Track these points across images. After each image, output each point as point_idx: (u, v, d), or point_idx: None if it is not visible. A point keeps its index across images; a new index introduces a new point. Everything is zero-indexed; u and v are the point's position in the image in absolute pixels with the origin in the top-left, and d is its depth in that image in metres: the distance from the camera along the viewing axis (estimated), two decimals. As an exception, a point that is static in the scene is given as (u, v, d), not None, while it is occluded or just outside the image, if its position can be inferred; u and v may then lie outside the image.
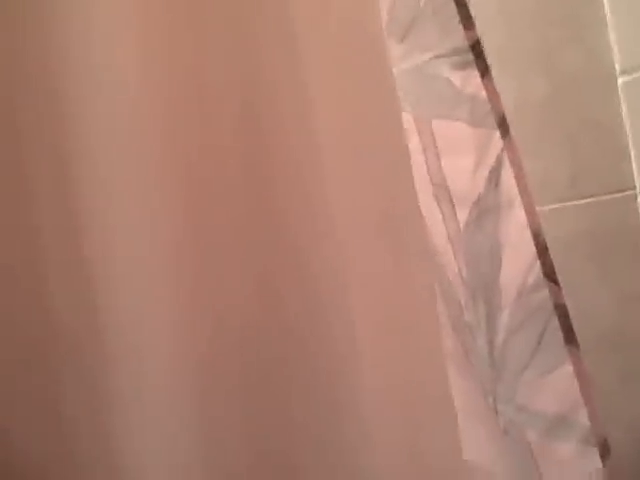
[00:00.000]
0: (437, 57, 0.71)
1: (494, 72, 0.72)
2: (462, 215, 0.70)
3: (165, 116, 0.48)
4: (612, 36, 1.00)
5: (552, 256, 0.71)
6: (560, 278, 0.71)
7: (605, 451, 0.68)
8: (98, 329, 0.46)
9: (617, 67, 1.00)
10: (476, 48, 0.71)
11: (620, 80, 1.00)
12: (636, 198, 0.99)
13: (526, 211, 0.69)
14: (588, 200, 1.05)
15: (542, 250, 0.69)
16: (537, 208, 0.71)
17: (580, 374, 0.68)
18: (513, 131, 0.72)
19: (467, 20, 0.71)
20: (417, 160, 0.68)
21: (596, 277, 1.04)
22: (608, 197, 1.04)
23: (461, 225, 0.70)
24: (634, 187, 0.99)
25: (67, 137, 0.46)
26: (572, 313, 0.70)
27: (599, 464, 0.68)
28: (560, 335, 0.68)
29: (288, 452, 0.50)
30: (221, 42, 0.50)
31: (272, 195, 0.50)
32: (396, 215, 0.58)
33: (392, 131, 0.60)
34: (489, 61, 0.72)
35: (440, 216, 0.70)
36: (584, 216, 1.06)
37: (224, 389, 0.49)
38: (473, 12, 0.71)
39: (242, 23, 0.51)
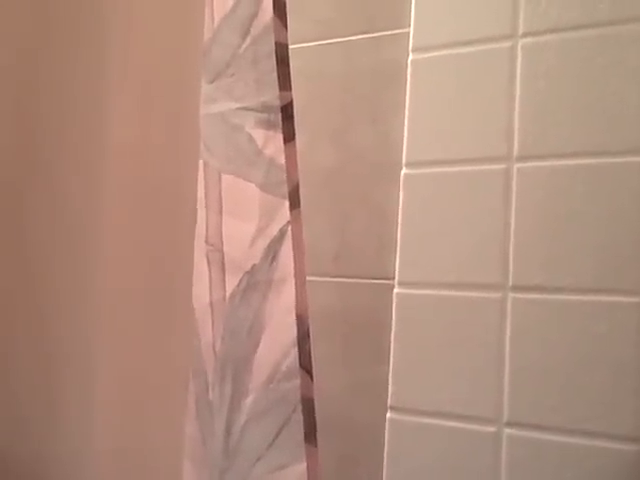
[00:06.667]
0: (244, 109, 0.66)
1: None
2: (231, 283, 0.64)
3: None
4: (406, 127, 1.01)
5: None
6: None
7: None
8: None
9: (404, 158, 1.00)
10: (287, 111, 0.66)
11: (403, 171, 1.00)
12: (392, 289, 0.99)
13: (297, 294, 0.65)
14: (346, 280, 1.04)
15: (303, 338, 0.65)
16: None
17: (312, 476, 0.64)
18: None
19: (284, 80, 0.66)
20: (200, 214, 0.62)
21: (337, 360, 1.03)
22: (365, 281, 1.03)
23: (227, 294, 0.64)
24: (393, 277, 0.99)
25: None
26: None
27: None
28: (301, 431, 0.64)
29: None
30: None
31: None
32: (167, 272, 0.51)
33: (185, 177, 0.53)
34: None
35: (207, 279, 0.64)
36: (339, 295, 1.05)
37: None
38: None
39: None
